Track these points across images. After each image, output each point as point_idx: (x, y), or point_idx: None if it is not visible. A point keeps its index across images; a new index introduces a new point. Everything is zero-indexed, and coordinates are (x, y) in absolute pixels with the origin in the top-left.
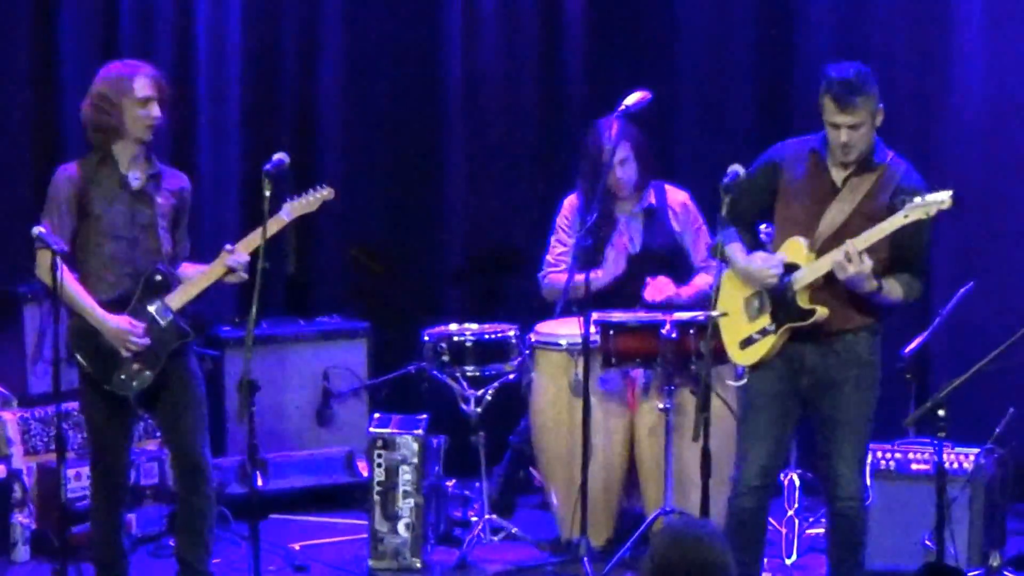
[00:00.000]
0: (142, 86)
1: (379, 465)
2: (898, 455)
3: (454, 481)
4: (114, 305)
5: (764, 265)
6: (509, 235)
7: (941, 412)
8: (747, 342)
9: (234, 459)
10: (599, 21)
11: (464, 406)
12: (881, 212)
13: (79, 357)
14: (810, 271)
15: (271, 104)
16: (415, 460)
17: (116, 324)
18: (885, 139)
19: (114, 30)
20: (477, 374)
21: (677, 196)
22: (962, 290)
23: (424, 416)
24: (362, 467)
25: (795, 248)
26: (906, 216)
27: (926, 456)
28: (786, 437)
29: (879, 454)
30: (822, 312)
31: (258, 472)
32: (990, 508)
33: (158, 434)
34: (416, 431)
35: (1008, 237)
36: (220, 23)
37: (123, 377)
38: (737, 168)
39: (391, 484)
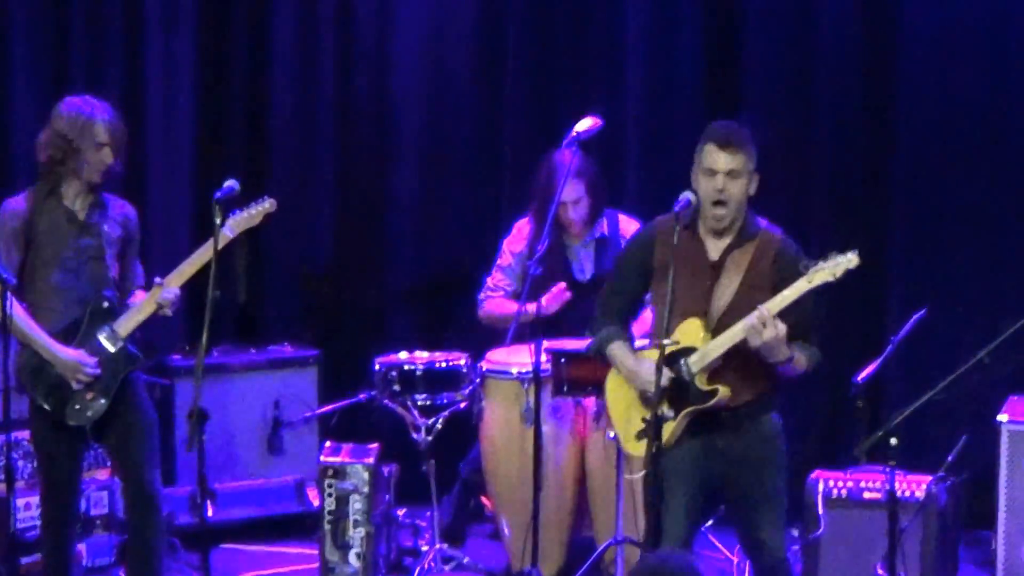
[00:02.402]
0: (100, 131)
1: (330, 494)
2: (850, 483)
3: (405, 510)
4: (63, 335)
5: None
6: (458, 261)
7: (893, 440)
8: (644, 432)
9: (184, 488)
10: (544, 45)
11: (415, 435)
12: (766, 280)
13: (31, 393)
14: (709, 351)
15: (220, 131)
16: (366, 489)
17: (68, 356)
18: (842, 168)
19: (65, 60)
20: (428, 403)
21: (629, 227)
22: (915, 317)
23: (375, 445)
24: (313, 496)
25: (691, 329)
26: (810, 281)
27: (878, 484)
28: (697, 518)
29: (831, 482)
30: (724, 392)
31: (208, 501)
32: (942, 536)
33: (108, 463)
34: (367, 460)
35: (961, 263)
36: (170, 50)
37: (77, 407)
38: (689, 195)
39: (342, 513)
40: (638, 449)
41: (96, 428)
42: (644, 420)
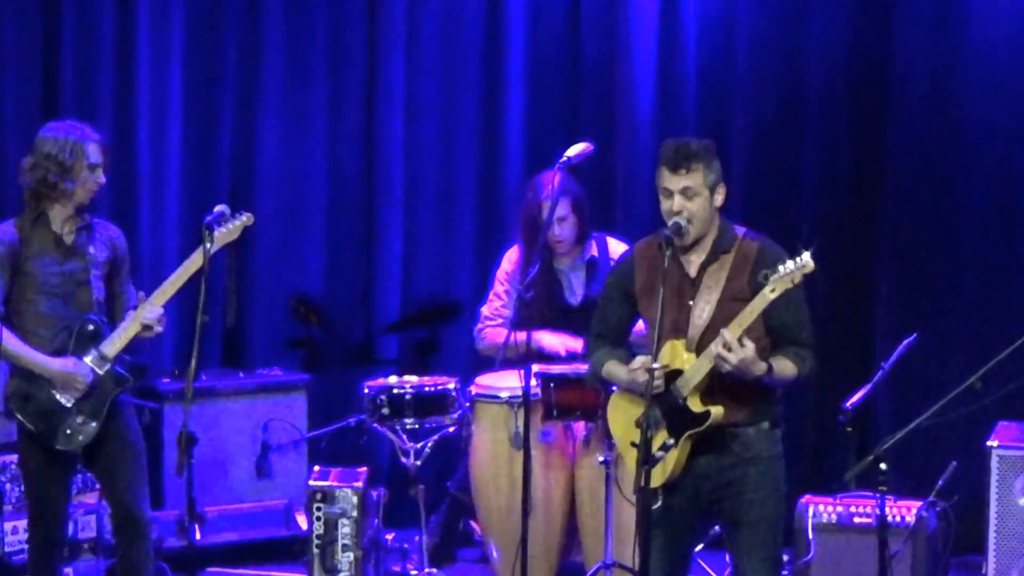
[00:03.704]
0: (93, 151)
1: (318, 518)
2: (840, 508)
3: (393, 534)
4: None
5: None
6: (447, 286)
7: (883, 465)
8: (655, 461)
9: (172, 512)
10: (539, 74)
11: (403, 459)
12: (746, 292)
13: (21, 419)
14: (692, 373)
15: (209, 157)
16: (354, 513)
17: (62, 367)
18: (832, 193)
19: (55, 86)
20: (417, 427)
21: (619, 249)
22: (904, 342)
23: (363, 469)
24: (301, 520)
25: (674, 351)
26: (772, 291)
27: (868, 509)
28: (686, 550)
29: (820, 507)
30: (717, 412)
31: (196, 525)
32: (932, 561)
33: (96, 487)
34: (355, 484)
35: (950, 289)
36: (161, 77)
37: (68, 432)
38: (679, 220)
39: (330, 537)
40: (654, 479)
41: (85, 452)
42: (634, 444)
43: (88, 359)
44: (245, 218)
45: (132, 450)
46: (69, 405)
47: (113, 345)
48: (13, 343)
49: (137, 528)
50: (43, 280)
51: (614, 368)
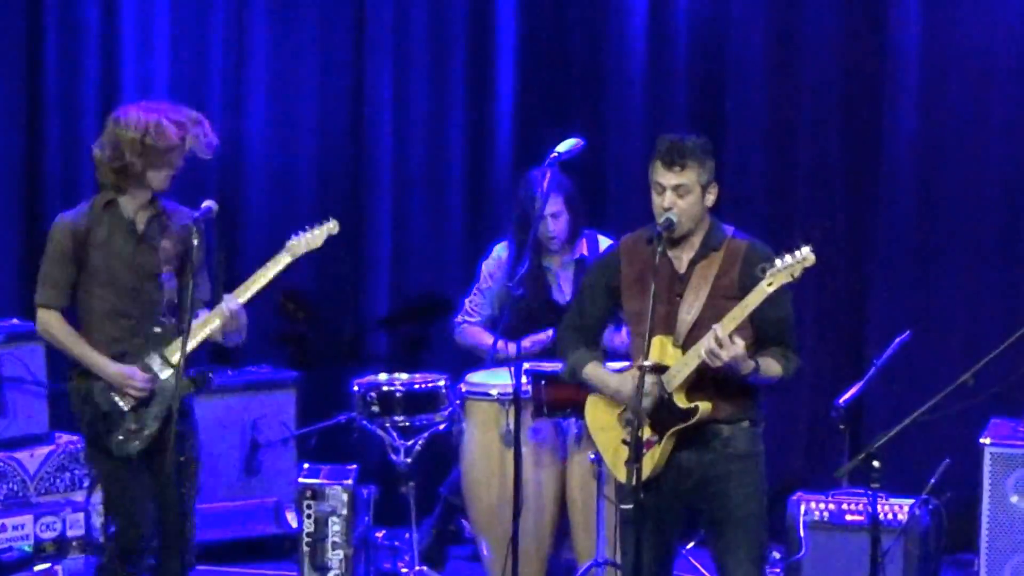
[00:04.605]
0: (171, 132)
1: (308, 516)
2: (832, 506)
3: (384, 532)
4: (115, 360)
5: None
6: (437, 283)
7: (876, 463)
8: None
9: None
10: (528, 66)
11: (394, 456)
12: (734, 289)
13: (80, 421)
14: (680, 368)
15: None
16: (344, 511)
17: (116, 369)
18: (825, 189)
19: (39, 75)
20: (407, 424)
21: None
22: (898, 339)
23: (354, 466)
24: (291, 518)
25: (660, 347)
26: (770, 284)
27: (860, 507)
28: (669, 546)
29: (812, 504)
30: (705, 408)
31: None
32: (924, 559)
33: (84, 484)
34: (346, 481)
35: (944, 286)
36: (146, 68)
37: (121, 439)
38: (672, 216)
39: (320, 535)
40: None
41: (146, 454)
42: (624, 442)
43: (151, 362)
44: (331, 224)
45: (190, 462)
46: (126, 409)
47: (178, 350)
48: (70, 336)
49: (182, 541)
50: (110, 273)
51: (597, 372)
